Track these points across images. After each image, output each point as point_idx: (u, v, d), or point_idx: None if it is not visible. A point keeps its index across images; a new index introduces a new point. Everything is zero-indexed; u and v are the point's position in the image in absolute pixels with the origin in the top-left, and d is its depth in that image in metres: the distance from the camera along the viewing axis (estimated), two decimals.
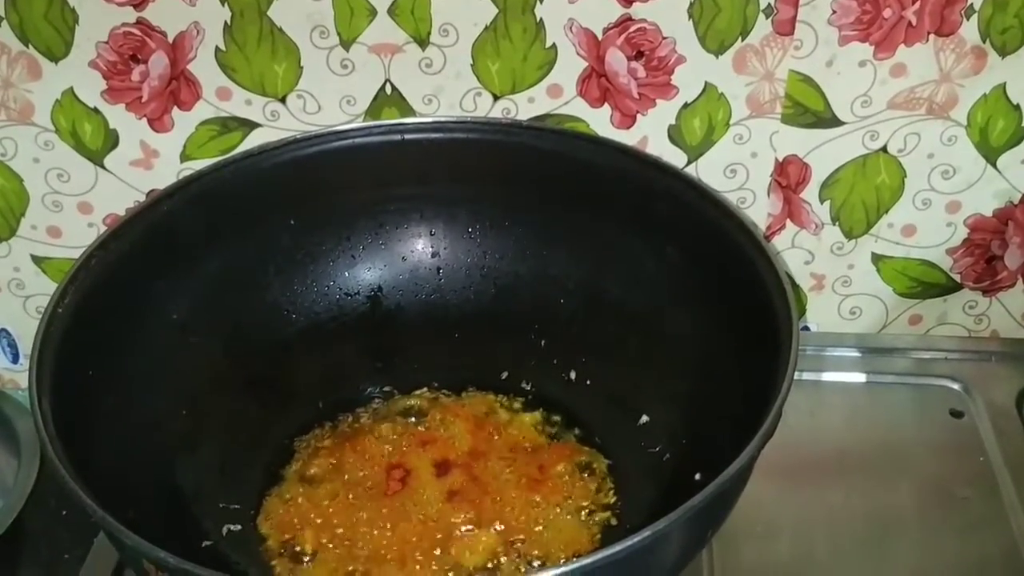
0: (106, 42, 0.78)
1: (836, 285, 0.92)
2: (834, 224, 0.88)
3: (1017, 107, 0.81)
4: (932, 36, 0.78)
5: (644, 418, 0.73)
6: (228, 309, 0.76)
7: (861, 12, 0.76)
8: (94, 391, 0.63)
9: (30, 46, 0.78)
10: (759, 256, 0.66)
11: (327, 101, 0.81)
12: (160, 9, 0.76)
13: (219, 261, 0.75)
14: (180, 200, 0.73)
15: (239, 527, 0.69)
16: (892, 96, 0.81)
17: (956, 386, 0.88)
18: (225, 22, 0.77)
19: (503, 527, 0.69)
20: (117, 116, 0.82)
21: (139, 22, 0.77)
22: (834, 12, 0.76)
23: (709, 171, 0.85)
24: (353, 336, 0.80)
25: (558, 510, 0.71)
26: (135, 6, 0.76)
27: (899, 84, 0.80)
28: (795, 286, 0.90)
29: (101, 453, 0.57)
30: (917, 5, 0.76)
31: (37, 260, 0.90)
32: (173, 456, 0.69)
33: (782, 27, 0.77)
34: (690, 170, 0.84)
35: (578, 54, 0.79)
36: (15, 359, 0.96)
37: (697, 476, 0.63)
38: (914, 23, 0.77)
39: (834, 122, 0.82)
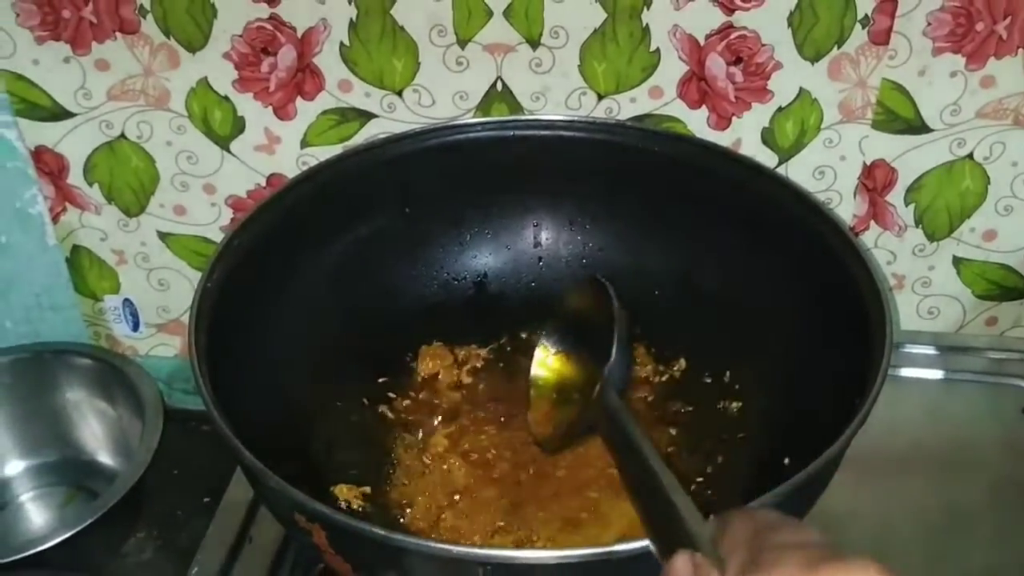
0: (240, 35, 0.82)
1: (916, 285, 0.95)
2: (917, 227, 0.91)
3: None
4: (1021, 50, 0.80)
5: (736, 404, 0.77)
6: (347, 288, 0.80)
7: (955, 25, 0.79)
8: (235, 361, 0.67)
9: (171, 37, 0.83)
10: (853, 258, 0.69)
11: (441, 96, 0.85)
12: (292, 6, 0.81)
13: (340, 244, 0.80)
14: (309, 187, 0.77)
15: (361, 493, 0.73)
16: (981, 106, 0.83)
17: None
18: (351, 19, 0.81)
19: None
20: (245, 104, 0.86)
21: (272, 17, 0.81)
22: (929, 24, 0.79)
23: (798, 172, 0.88)
24: (459, 318, 0.85)
25: None
26: (269, 2, 0.80)
27: (988, 95, 0.83)
28: None
29: (245, 419, 0.62)
30: (1008, 20, 0.78)
31: (162, 236, 0.95)
32: (300, 423, 0.74)
33: (878, 37, 0.80)
34: (780, 170, 0.87)
35: (680, 58, 0.82)
36: (135, 327, 1.01)
37: (786, 461, 0.67)
38: (1004, 37, 0.79)
39: (923, 129, 0.85)
